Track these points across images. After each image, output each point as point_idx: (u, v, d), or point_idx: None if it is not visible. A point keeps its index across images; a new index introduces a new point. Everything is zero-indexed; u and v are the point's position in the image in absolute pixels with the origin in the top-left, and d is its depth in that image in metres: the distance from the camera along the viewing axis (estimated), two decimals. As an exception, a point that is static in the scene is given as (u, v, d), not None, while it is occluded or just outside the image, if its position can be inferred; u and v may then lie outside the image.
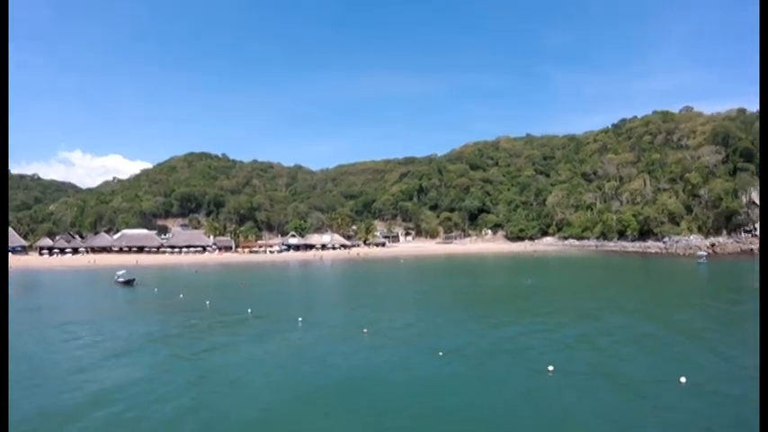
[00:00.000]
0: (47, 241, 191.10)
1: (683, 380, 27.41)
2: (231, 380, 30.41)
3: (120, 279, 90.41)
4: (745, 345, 34.50)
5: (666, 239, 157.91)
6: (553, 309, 53.30)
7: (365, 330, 41.15)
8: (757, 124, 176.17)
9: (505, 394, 26.72)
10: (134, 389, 28.85)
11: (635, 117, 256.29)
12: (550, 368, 30.12)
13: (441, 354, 34.15)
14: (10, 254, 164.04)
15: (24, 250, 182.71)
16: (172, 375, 31.57)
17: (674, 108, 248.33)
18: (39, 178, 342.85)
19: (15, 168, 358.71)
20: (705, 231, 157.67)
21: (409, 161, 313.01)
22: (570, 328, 42.85)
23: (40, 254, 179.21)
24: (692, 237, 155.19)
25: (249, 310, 52.81)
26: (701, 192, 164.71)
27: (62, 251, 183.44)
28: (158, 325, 48.90)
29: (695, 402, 24.92)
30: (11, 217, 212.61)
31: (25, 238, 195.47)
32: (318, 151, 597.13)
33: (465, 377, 29.78)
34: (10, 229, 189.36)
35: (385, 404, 25.80)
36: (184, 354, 37.09)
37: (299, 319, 46.98)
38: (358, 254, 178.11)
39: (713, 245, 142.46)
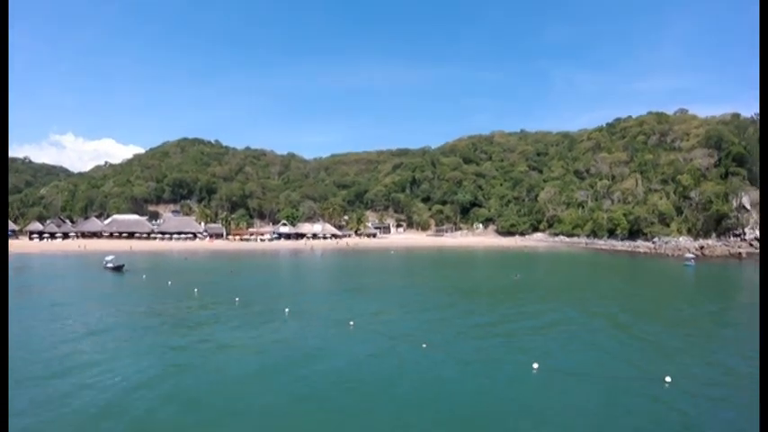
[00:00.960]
0: (37, 225, 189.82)
1: (668, 379, 27.71)
2: (211, 368, 30.72)
3: (109, 265, 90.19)
4: (730, 347, 34.99)
5: (656, 240, 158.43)
6: (540, 305, 53.86)
7: (351, 323, 41.34)
8: (750, 129, 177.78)
9: (487, 391, 27.02)
10: (106, 374, 29.20)
11: (630, 117, 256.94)
12: (535, 365, 30.40)
13: (424, 346, 34.46)
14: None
15: (14, 234, 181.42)
16: (149, 363, 31.87)
17: (669, 109, 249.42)
18: (30, 162, 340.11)
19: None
20: (694, 233, 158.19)
21: (403, 152, 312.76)
22: (556, 325, 43.27)
23: (30, 238, 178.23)
24: (681, 238, 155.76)
25: (236, 299, 52.95)
26: (692, 194, 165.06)
27: (52, 236, 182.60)
28: (141, 312, 49.14)
29: (680, 402, 25.24)
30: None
31: (15, 222, 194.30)
32: (312, 140, 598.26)
33: (447, 372, 29.95)
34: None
35: (363, 397, 26.03)
36: (163, 341, 37.44)
37: (286, 309, 47.11)
38: (348, 244, 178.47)
39: (702, 247, 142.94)
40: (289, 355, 32.98)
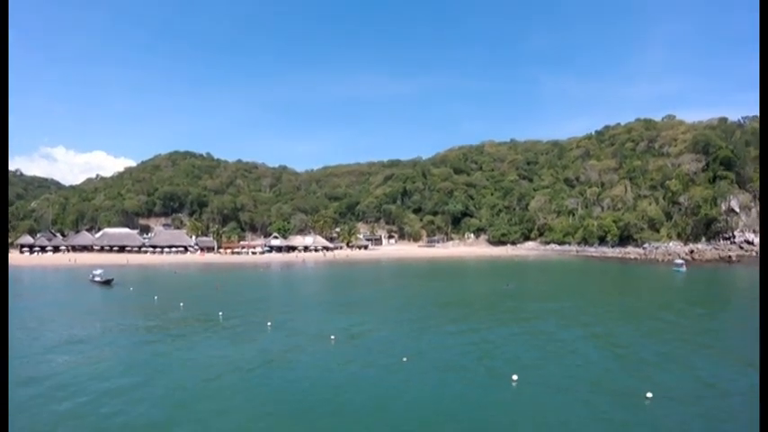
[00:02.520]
0: (27, 239, 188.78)
1: (648, 395, 27.31)
2: (177, 382, 30.73)
3: (97, 278, 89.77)
4: (714, 359, 34.73)
5: (646, 245, 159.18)
6: (529, 315, 53.76)
7: (332, 337, 41.17)
8: (737, 133, 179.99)
9: (465, 404, 26.79)
10: (82, 388, 29.40)
11: (618, 124, 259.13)
12: (514, 377, 30.27)
13: (404, 360, 34.31)
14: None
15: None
16: (123, 376, 31.94)
17: (657, 116, 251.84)
18: (21, 174, 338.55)
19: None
20: (684, 238, 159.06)
21: (394, 164, 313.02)
22: (541, 336, 43.21)
23: (21, 252, 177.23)
24: (671, 243, 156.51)
25: (220, 314, 52.90)
26: (681, 199, 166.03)
27: (43, 249, 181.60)
28: (122, 325, 49.33)
29: (659, 418, 25.02)
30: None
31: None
32: (303, 152, 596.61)
33: (422, 387, 29.71)
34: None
35: (337, 412, 25.76)
36: (141, 356, 37.52)
37: (268, 323, 47.03)
38: (337, 256, 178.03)
39: (692, 251, 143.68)
40: (262, 372, 32.87)
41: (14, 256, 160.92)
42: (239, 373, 32.59)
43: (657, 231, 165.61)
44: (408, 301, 67.58)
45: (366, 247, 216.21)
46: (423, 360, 34.58)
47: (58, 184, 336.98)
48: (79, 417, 24.35)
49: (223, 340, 41.83)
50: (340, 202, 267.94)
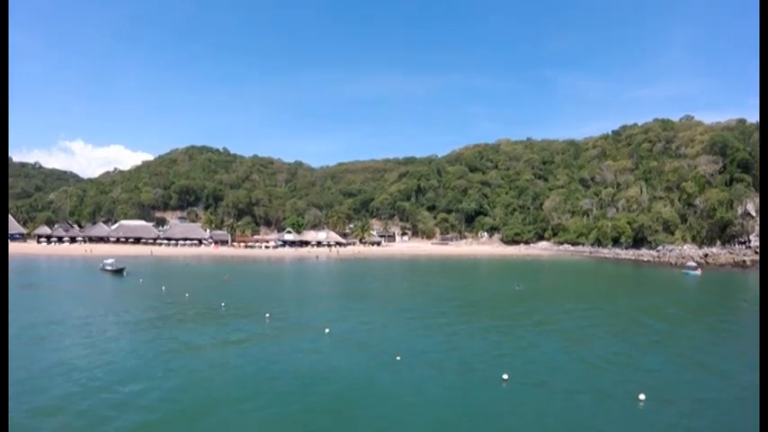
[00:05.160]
0: (45, 229, 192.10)
1: (641, 397, 27.15)
2: (168, 370, 31.28)
3: (108, 267, 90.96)
4: (716, 367, 34.11)
5: (660, 248, 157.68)
6: (534, 317, 52.98)
7: (327, 330, 41.40)
8: (756, 135, 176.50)
9: (455, 407, 26.56)
10: (70, 373, 30.24)
11: (635, 124, 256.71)
12: (505, 376, 30.15)
13: (398, 358, 34.33)
14: (9, 241, 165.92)
15: (23, 237, 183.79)
16: (112, 362, 32.60)
17: (675, 116, 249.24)
18: (40, 167, 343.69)
19: (17, 156, 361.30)
20: (699, 241, 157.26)
21: (409, 161, 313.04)
22: (543, 337, 42.98)
23: (38, 242, 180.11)
24: (685, 246, 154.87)
25: (223, 304, 53.46)
26: (697, 201, 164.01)
27: (60, 240, 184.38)
28: (126, 313, 50.34)
29: (651, 421, 24.87)
30: (11, 205, 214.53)
31: (24, 225, 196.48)
32: (319, 148, 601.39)
33: (413, 384, 29.62)
34: (9, 216, 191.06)
35: (320, 408, 25.70)
36: (134, 342, 38.46)
37: (267, 315, 47.42)
38: (340, 252, 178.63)
39: (706, 255, 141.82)
40: (250, 362, 33.09)
41: (32, 246, 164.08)
42: (222, 363, 33.02)
43: (672, 234, 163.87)
44: (414, 298, 67.42)
45: (379, 244, 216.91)
46: (415, 358, 34.30)
47: (76, 177, 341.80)
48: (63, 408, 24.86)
49: (218, 330, 42.36)
50: (354, 199, 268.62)
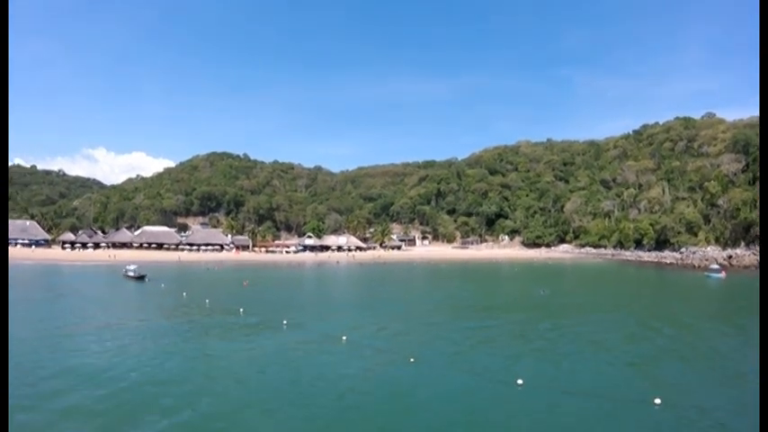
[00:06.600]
0: (69, 236, 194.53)
1: (657, 401, 26.77)
2: (185, 374, 31.64)
3: (130, 273, 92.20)
4: (735, 373, 33.52)
5: (683, 250, 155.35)
6: (558, 323, 52.03)
7: (344, 337, 41.44)
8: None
9: (465, 413, 26.41)
10: (91, 375, 30.68)
11: (656, 123, 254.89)
12: (519, 381, 29.89)
13: (412, 360, 34.32)
14: (33, 247, 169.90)
15: (47, 243, 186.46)
16: (131, 367, 32.88)
17: (696, 114, 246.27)
18: (64, 174, 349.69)
19: (41, 164, 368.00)
20: (723, 243, 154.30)
21: (429, 164, 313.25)
22: (566, 343, 42.50)
23: (63, 247, 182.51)
24: (708, 248, 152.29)
25: (241, 310, 53.86)
26: (720, 201, 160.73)
27: (84, 245, 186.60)
28: (148, 319, 50.97)
29: (666, 426, 24.60)
30: (36, 211, 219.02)
31: (49, 231, 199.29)
32: (339, 153, 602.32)
33: (427, 389, 29.52)
34: (34, 223, 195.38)
35: (331, 414, 25.62)
36: (153, 347, 38.76)
37: (285, 321, 47.70)
38: (361, 257, 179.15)
39: (730, 257, 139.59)
40: (266, 368, 33.27)
41: (56, 252, 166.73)
42: (234, 369, 33.21)
43: (695, 235, 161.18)
44: (434, 304, 67.05)
45: (399, 248, 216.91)
46: (429, 364, 34.07)
47: (99, 184, 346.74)
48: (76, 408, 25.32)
49: (235, 337, 42.76)
50: (374, 203, 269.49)
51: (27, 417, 23.76)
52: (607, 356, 37.70)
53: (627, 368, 34.79)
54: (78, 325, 46.73)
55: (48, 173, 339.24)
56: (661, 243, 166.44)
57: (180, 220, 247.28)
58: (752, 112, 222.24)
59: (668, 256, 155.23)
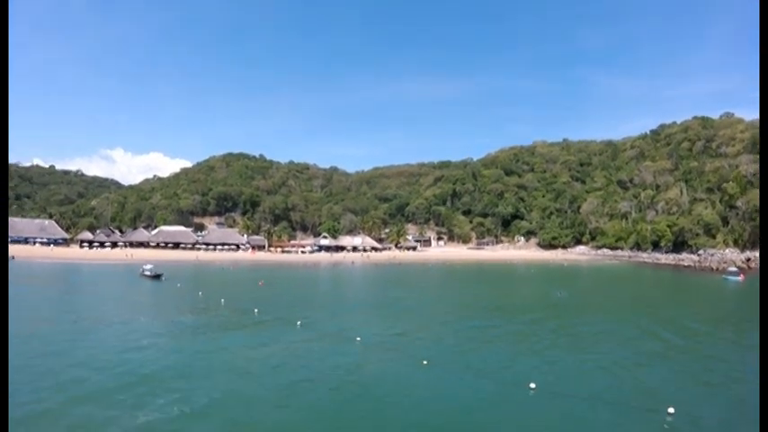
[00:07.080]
0: (87, 235, 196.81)
1: (670, 410, 26.18)
2: (195, 372, 31.73)
3: (147, 273, 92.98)
4: (749, 381, 33.16)
5: (701, 252, 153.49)
6: (575, 327, 51.68)
7: (358, 338, 41.48)
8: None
9: (471, 412, 26.39)
10: (104, 369, 31.28)
11: (674, 123, 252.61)
12: (532, 385, 29.56)
13: (425, 362, 34.07)
14: (52, 246, 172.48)
15: (66, 242, 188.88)
16: (144, 362, 33.34)
17: (714, 113, 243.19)
18: (82, 174, 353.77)
19: (59, 164, 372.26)
20: (741, 245, 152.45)
21: (444, 165, 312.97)
22: (580, 347, 42.33)
23: (81, 246, 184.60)
24: (727, 250, 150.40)
25: (256, 310, 54.02)
26: (739, 203, 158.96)
27: (101, 245, 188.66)
28: (163, 317, 51.72)
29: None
30: (54, 211, 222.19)
31: (67, 230, 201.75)
32: (354, 153, 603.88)
33: (439, 391, 29.45)
34: (53, 222, 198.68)
35: (343, 415, 25.64)
36: (167, 345, 39.24)
37: (298, 322, 47.81)
38: (376, 257, 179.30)
39: (749, 259, 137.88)
40: (278, 369, 33.07)
41: (75, 251, 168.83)
42: (246, 366, 33.43)
43: (713, 237, 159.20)
44: (448, 306, 66.83)
45: (414, 249, 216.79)
46: (443, 368, 33.68)
47: (117, 184, 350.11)
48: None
49: (249, 336, 42.85)
50: (390, 204, 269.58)
51: (51, 400, 25.31)
52: (622, 362, 37.23)
53: (642, 374, 34.32)
54: (97, 320, 47.65)
55: (66, 173, 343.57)
56: (678, 245, 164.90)
57: (196, 219, 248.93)
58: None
59: (686, 258, 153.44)
